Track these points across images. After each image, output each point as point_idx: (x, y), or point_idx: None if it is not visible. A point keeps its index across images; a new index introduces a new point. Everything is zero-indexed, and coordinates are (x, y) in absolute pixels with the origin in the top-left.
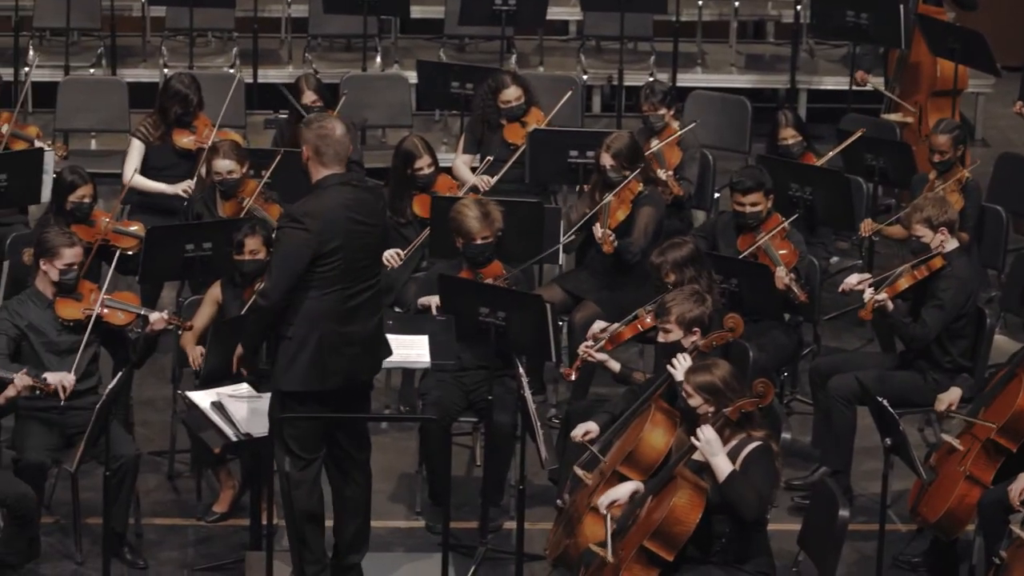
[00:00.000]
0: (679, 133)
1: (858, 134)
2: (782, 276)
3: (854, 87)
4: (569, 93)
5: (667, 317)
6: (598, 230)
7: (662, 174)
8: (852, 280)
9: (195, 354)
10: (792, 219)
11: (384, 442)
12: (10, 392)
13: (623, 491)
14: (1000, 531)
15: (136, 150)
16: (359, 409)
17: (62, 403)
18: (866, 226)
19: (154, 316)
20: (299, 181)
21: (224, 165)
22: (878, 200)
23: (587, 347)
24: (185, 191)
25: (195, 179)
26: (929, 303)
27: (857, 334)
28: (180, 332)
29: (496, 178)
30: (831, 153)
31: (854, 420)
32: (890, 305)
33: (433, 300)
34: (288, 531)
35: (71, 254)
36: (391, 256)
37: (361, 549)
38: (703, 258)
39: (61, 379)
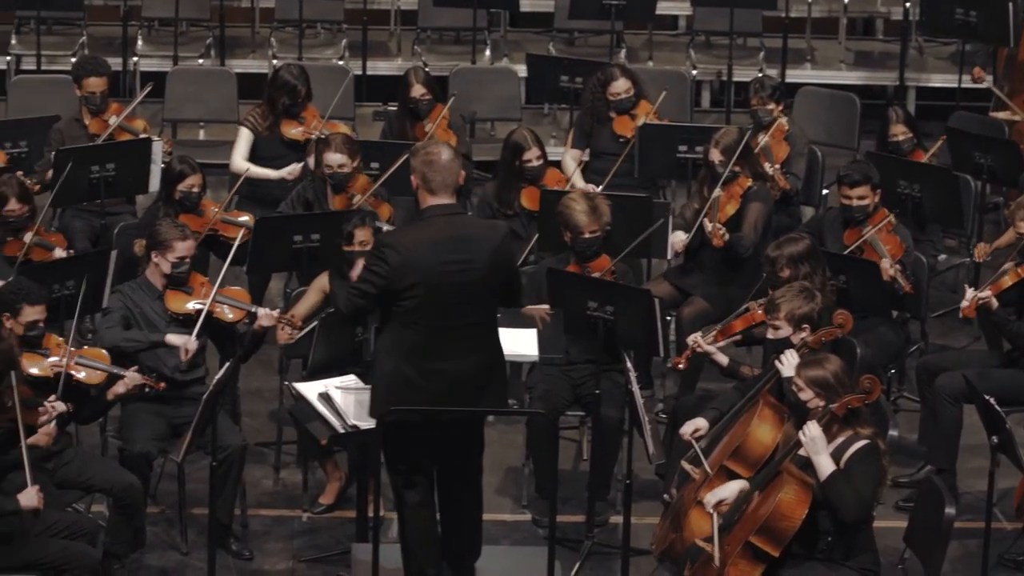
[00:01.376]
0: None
1: (939, 142)
2: (887, 267)
3: (966, 84)
4: (664, 93)
5: (776, 313)
6: (708, 224)
7: (769, 168)
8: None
9: (282, 337)
10: (896, 212)
11: (491, 436)
12: (119, 389)
13: (730, 490)
14: None
15: (244, 139)
16: (466, 445)
17: (183, 365)
18: (980, 251)
19: (262, 313)
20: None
21: (335, 159)
22: (986, 198)
23: (697, 338)
24: (290, 175)
25: (302, 165)
26: None
27: (965, 331)
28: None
29: (604, 185)
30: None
31: (960, 418)
32: (994, 303)
33: (539, 310)
34: (403, 550)
35: (183, 247)
36: None
37: (474, 553)
38: (819, 254)
39: (185, 342)
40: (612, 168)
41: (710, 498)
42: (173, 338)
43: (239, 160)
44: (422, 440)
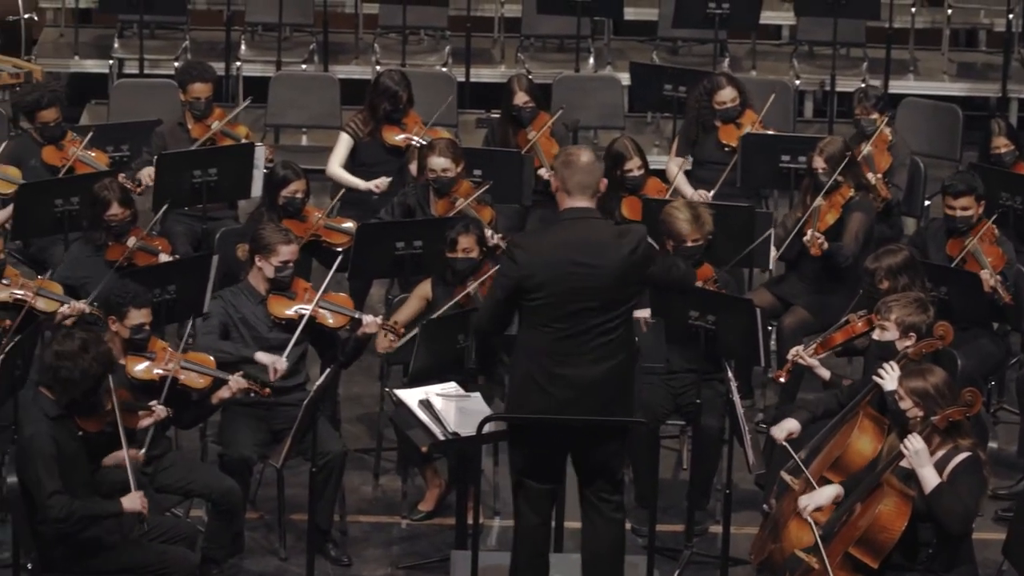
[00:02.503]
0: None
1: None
2: (987, 278)
3: None
4: (772, 97)
5: (887, 315)
6: (808, 233)
7: (871, 177)
8: None
9: (383, 345)
10: (994, 219)
11: None
12: (224, 394)
13: (824, 496)
14: None
15: (344, 144)
16: (602, 452)
17: (272, 383)
18: None
19: (367, 320)
20: (511, 182)
21: (439, 163)
22: None
23: (798, 351)
24: (376, 187)
25: (390, 180)
26: None
27: None
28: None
29: (714, 191)
30: None
31: None
32: None
33: (643, 314)
34: (511, 563)
35: (287, 251)
36: None
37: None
38: (917, 266)
39: (274, 361)
40: (716, 177)
41: (804, 501)
42: (262, 356)
43: (334, 166)
44: (545, 450)
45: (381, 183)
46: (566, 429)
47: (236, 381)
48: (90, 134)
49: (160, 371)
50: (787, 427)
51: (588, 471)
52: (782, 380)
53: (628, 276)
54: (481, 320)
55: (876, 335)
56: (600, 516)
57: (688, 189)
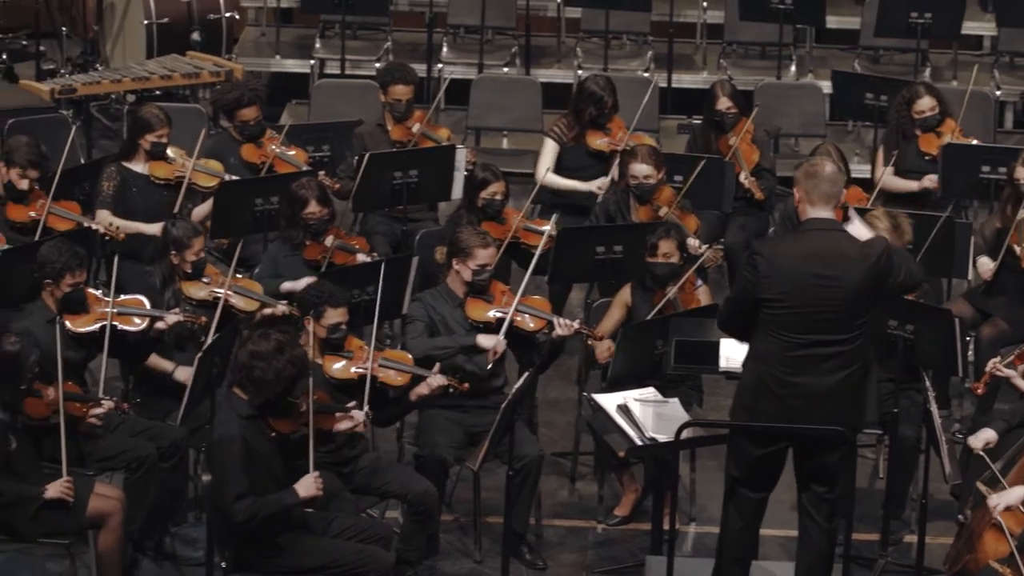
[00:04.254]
0: None
1: None
2: None
3: None
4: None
5: None
6: (1017, 248)
7: None
8: None
9: (602, 348)
10: None
11: None
12: (422, 390)
13: (1015, 495)
14: None
15: (550, 149)
16: (824, 461)
17: (487, 367)
18: None
19: (561, 323)
20: (712, 188)
21: (641, 169)
22: None
23: (996, 363)
24: (599, 188)
25: (608, 178)
26: None
27: None
28: (588, 340)
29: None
30: None
31: None
32: None
33: None
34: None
35: (485, 255)
36: None
37: None
38: None
39: (496, 343)
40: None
41: (994, 500)
42: (484, 339)
43: (545, 171)
44: (764, 457)
45: (603, 183)
46: (789, 437)
47: (435, 377)
48: (285, 129)
49: (358, 370)
50: (984, 437)
51: (809, 478)
52: (979, 392)
53: (868, 289)
54: (721, 319)
55: None
56: (815, 524)
57: (907, 183)
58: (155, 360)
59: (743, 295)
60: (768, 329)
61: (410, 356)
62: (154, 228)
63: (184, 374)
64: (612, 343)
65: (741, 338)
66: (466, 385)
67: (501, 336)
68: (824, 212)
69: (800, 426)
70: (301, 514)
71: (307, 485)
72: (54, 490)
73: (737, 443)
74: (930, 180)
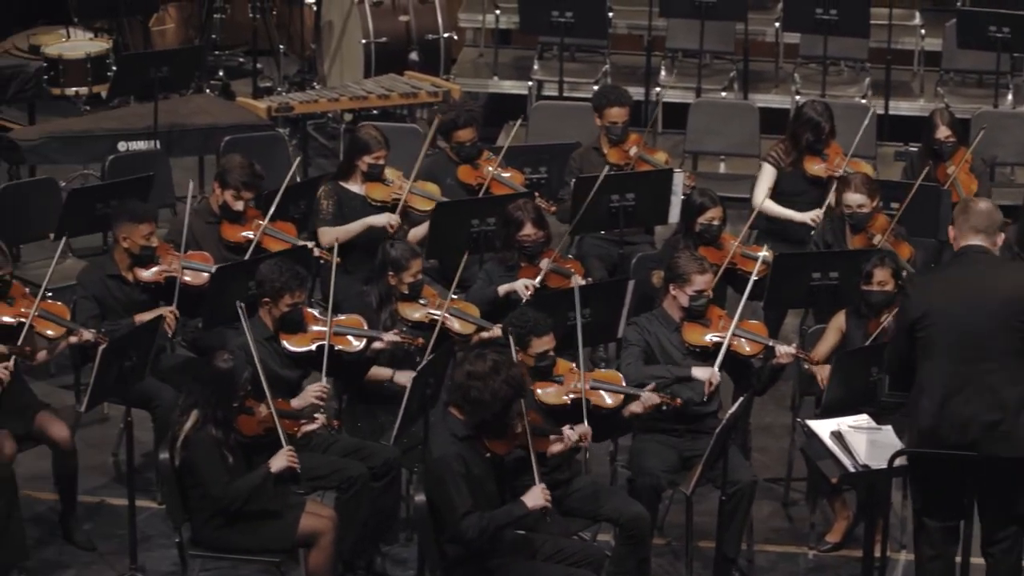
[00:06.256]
0: None
1: None
2: None
3: None
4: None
5: None
6: None
7: None
8: None
9: (824, 373)
10: None
11: None
12: (636, 408)
13: None
14: None
15: (767, 175)
16: (1001, 485)
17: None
18: None
19: (781, 348)
20: (929, 216)
21: (855, 199)
22: None
23: None
24: (813, 220)
25: (823, 208)
26: None
27: None
28: (805, 366)
29: None
30: None
31: None
32: None
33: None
34: None
35: (702, 280)
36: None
37: None
38: None
39: (711, 375)
40: None
41: None
42: (699, 371)
43: (762, 198)
44: (945, 487)
45: (816, 215)
46: (968, 465)
47: (647, 396)
48: (504, 150)
49: (569, 397)
50: None
51: (992, 506)
52: None
53: (1014, 316)
54: (886, 355)
55: None
56: (1003, 552)
57: None
58: (374, 370)
59: (901, 326)
60: (924, 354)
61: (621, 376)
62: (380, 219)
63: (404, 378)
64: (812, 365)
65: (903, 385)
66: (679, 400)
67: (715, 368)
68: (976, 240)
69: (996, 455)
70: (512, 537)
71: (535, 495)
72: (277, 462)
73: (915, 473)
74: None
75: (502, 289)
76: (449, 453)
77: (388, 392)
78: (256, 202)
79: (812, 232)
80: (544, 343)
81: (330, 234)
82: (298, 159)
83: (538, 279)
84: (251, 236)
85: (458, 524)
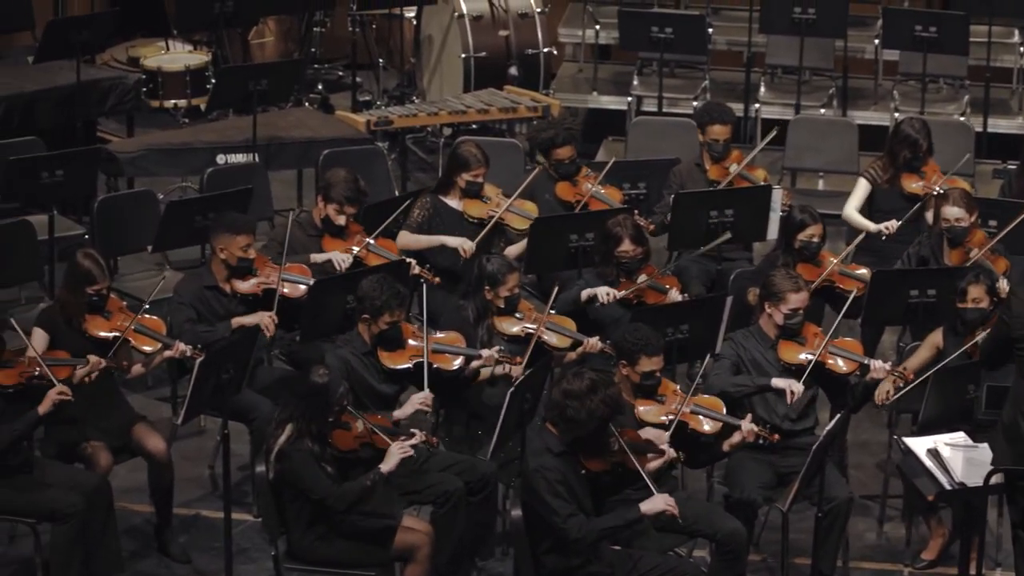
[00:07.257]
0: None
1: None
2: None
3: None
4: None
5: None
6: None
7: None
8: None
9: (881, 391)
10: None
11: None
12: (735, 439)
13: None
14: None
15: (861, 189)
16: None
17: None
18: None
19: (875, 365)
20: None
21: (953, 212)
22: None
23: None
24: (886, 228)
25: (895, 222)
26: None
27: None
28: (902, 384)
29: None
30: None
31: None
32: None
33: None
34: None
35: (797, 299)
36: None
37: None
38: None
39: (790, 384)
40: None
41: None
42: (779, 381)
43: (850, 208)
44: None
45: (891, 226)
46: None
47: (746, 427)
48: (607, 167)
49: (667, 417)
50: None
51: None
52: None
53: None
54: (981, 354)
55: None
56: None
57: None
58: None
59: (998, 332)
60: (1020, 370)
61: (722, 403)
62: (455, 242)
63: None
64: (893, 388)
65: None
66: (776, 436)
67: (799, 381)
68: None
69: None
70: (608, 554)
71: (655, 501)
72: (389, 462)
73: (1012, 487)
74: None
75: (584, 293)
76: (546, 464)
77: (486, 407)
78: (356, 216)
79: (909, 248)
80: (653, 363)
81: (405, 238)
82: (393, 176)
83: (623, 292)
84: (353, 251)
85: (563, 525)
